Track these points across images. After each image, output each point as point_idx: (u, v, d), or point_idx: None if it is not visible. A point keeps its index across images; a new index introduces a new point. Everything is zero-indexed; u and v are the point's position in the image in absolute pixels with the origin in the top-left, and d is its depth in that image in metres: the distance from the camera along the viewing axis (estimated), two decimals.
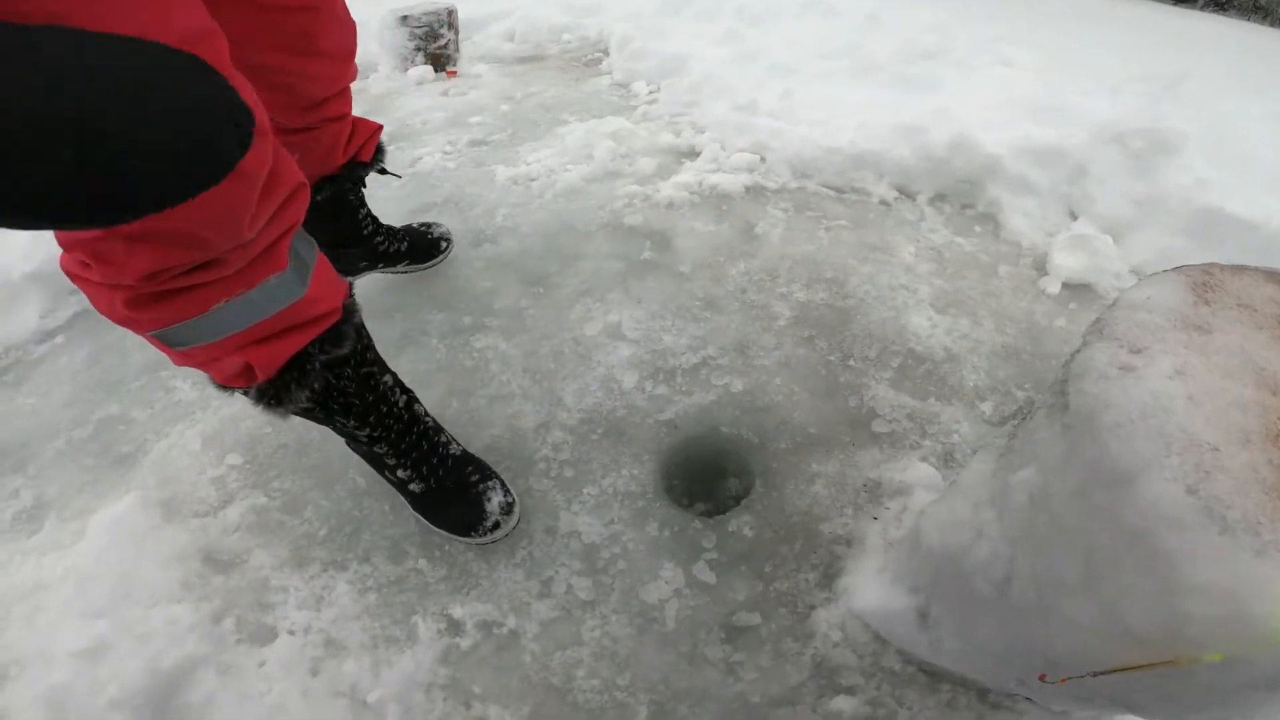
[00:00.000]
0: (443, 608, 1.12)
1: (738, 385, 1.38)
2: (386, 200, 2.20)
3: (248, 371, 0.84)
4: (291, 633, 1.13)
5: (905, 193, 2.00)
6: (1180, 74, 2.75)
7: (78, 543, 1.29)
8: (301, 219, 0.79)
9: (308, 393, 0.91)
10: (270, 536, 1.25)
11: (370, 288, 1.74)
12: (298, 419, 1.03)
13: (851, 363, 1.42)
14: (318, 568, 1.20)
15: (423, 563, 1.18)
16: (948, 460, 1.25)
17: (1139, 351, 0.60)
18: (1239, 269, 0.69)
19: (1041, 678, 0.68)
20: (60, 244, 0.69)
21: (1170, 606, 0.50)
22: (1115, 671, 0.57)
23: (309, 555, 1.21)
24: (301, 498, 1.30)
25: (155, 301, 0.70)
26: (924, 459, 1.25)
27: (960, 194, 1.98)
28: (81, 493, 1.41)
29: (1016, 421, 0.82)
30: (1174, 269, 0.70)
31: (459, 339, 1.54)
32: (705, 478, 1.32)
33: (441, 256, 1.74)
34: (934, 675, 0.99)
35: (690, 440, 1.32)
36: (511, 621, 1.09)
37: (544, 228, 1.88)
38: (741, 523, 1.19)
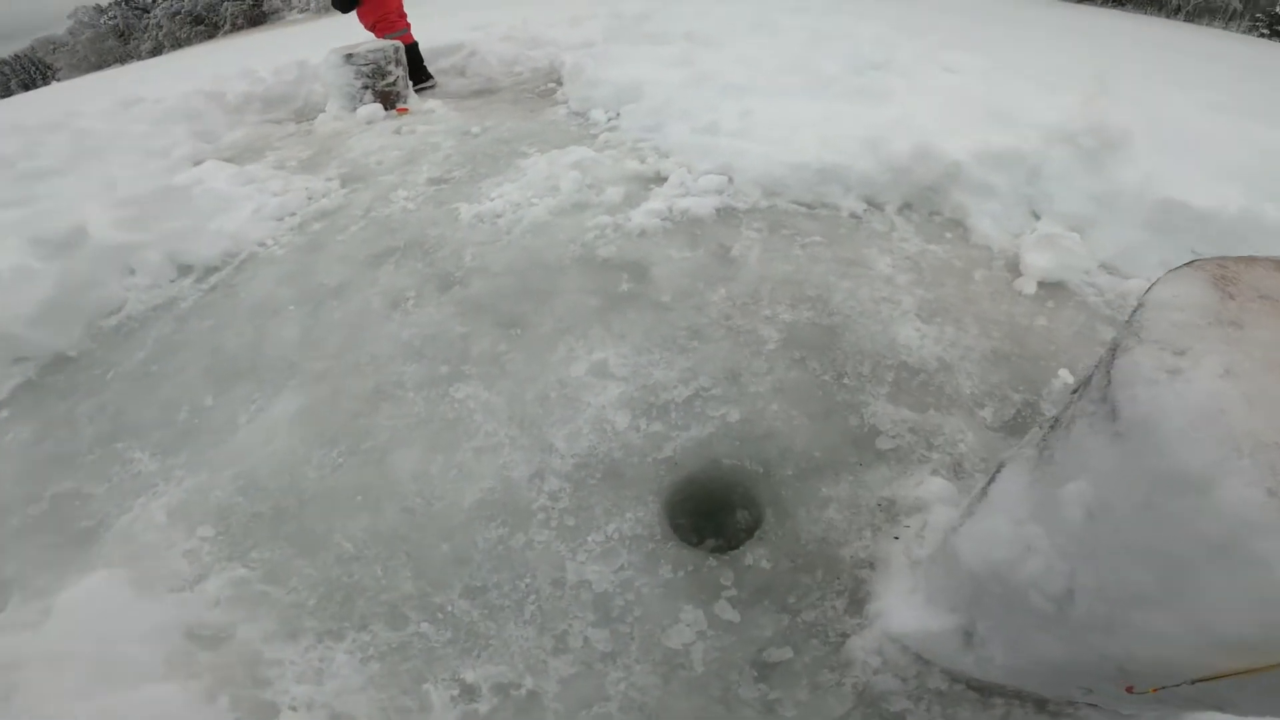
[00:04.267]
0: (453, 672, 1.05)
1: (734, 415, 1.35)
2: (347, 244, 2.12)
3: None
4: (294, 709, 1.04)
5: (873, 204, 2.02)
6: (1105, 70, 2.90)
7: (44, 621, 1.19)
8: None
9: None
10: (255, 609, 1.17)
11: (338, 342, 1.66)
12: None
13: (846, 381, 1.41)
14: (312, 639, 1.12)
15: (425, 626, 1.11)
16: (958, 471, 1.24)
17: (1182, 353, 0.58)
18: (1250, 260, 0.69)
19: (1129, 689, 0.66)
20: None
21: (1269, 612, 0.48)
22: (1221, 677, 0.56)
23: (300, 626, 1.13)
24: (284, 567, 1.22)
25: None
26: (934, 472, 1.23)
27: (926, 201, 2.01)
28: (43, 571, 1.32)
29: (1044, 432, 0.80)
30: (1188, 264, 0.69)
31: (436, 390, 1.47)
32: (713, 513, 1.28)
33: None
34: (984, 691, 0.97)
35: (692, 476, 1.28)
36: (529, 681, 1.03)
37: (515, 266, 1.83)
38: (757, 556, 1.16)
